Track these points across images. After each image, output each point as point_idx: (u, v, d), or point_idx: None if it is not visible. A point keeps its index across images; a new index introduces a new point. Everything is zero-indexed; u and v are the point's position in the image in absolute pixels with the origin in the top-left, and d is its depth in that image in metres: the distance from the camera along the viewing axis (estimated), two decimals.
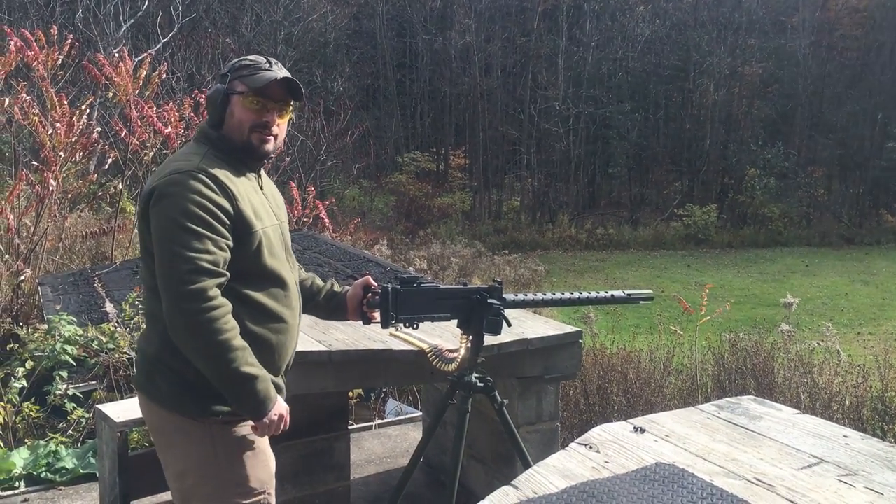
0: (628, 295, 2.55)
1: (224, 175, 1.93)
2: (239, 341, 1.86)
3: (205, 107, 2.05)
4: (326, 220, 9.64)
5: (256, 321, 1.98)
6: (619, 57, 27.03)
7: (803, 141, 26.96)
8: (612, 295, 2.54)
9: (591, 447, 1.92)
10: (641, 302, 2.57)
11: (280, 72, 2.03)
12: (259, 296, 1.99)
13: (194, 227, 1.82)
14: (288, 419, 1.99)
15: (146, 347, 2.00)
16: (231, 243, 1.90)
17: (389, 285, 2.33)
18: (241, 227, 1.92)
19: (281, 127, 2.07)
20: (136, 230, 2.06)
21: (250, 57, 2.07)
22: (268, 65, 2.03)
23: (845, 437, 2.02)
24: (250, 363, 1.87)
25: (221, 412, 1.94)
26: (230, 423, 1.96)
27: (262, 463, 2.01)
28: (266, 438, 2.05)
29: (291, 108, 2.09)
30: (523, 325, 3.12)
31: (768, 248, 21.86)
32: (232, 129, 2.01)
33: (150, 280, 1.92)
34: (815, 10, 27.03)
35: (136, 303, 5.25)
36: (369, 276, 2.38)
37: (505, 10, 26.88)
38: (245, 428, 1.98)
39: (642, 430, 2.03)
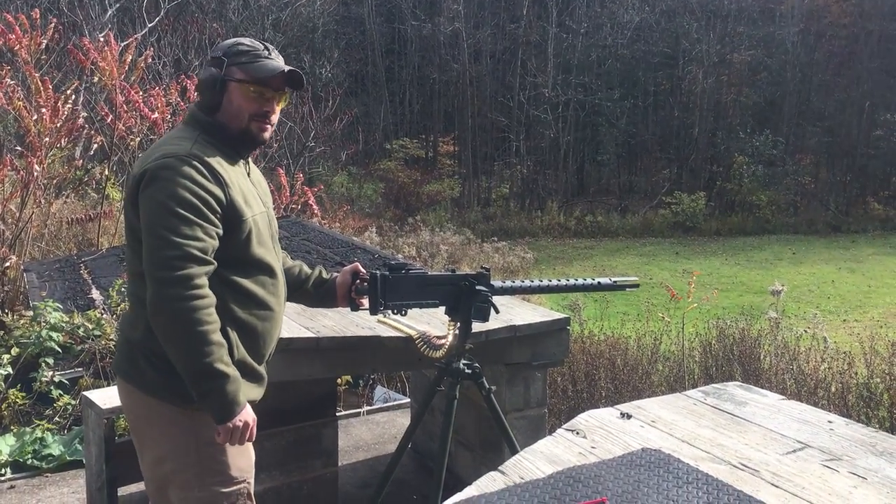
0: (615, 282, 2.57)
1: (216, 161, 1.91)
2: (217, 336, 1.82)
3: (195, 90, 2.01)
4: (315, 207, 9.61)
5: (244, 307, 1.97)
6: (609, 44, 27.00)
7: (791, 129, 27.06)
8: (599, 282, 2.55)
9: (577, 433, 1.93)
10: (628, 289, 2.58)
11: (279, 60, 2.02)
12: (247, 283, 1.98)
13: (184, 212, 1.80)
14: (254, 430, 1.91)
15: (131, 332, 1.97)
16: (220, 231, 1.88)
17: (378, 272, 2.33)
18: (231, 215, 1.91)
19: (277, 114, 2.06)
20: (122, 215, 2.03)
21: (245, 41, 2.02)
22: (266, 52, 2.01)
23: (830, 422, 2.03)
24: (225, 362, 1.83)
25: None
26: None
27: (243, 452, 1.99)
28: None
29: (288, 95, 2.07)
30: (511, 312, 3.12)
31: (756, 236, 21.98)
32: (230, 117, 1.98)
33: (136, 265, 1.90)
34: None
35: (123, 289, 5.22)
36: (358, 263, 2.37)
37: None
38: None
39: (629, 416, 2.04)
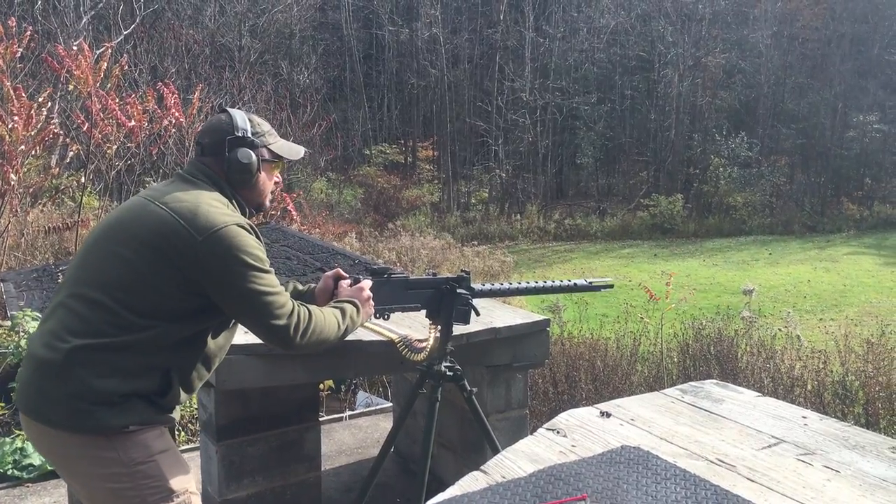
0: (590, 283, 2.62)
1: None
2: (329, 316, 2.08)
3: (228, 168, 2.04)
4: (294, 213, 9.59)
5: (198, 366, 1.99)
6: (585, 48, 27.23)
7: (766, 131, 27.39)
8: (576, 283, 2.60)
9: (558, 432, 1.95)
10: (603, 290, 2.64)
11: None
12: (212, 344, 2.02)
13: (264, 267, 1.94)
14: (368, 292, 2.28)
15: (50, 354, 1.85)
16: None
17: (360, 276, 2.35)
18: None
19: None
20: (97, 226, 1.97)
21: (255, 118, 2.13)
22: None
23: (804, 417, 2.07)
24: (342, 315, 2.12)
25: (125, 424, 1.85)
26: (135, 432, 1.87)
27: (177, 463, 1.95)
28: (171, 440, 1.99)
29: None
30: (492, 315, 3.15)
31: (732, 237, 22.19)
32: (256, 193, 2.11)
33: (103, 294, 1.86)
34: (776, 1, 27.43)
35: None
36: (339, 269, 2.39)
37: (471, 1, 26.93)
38: (151, 433, 1.90)
39: (608, 415, 2.07)
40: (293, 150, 2.19)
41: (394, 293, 2.39)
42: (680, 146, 26.76)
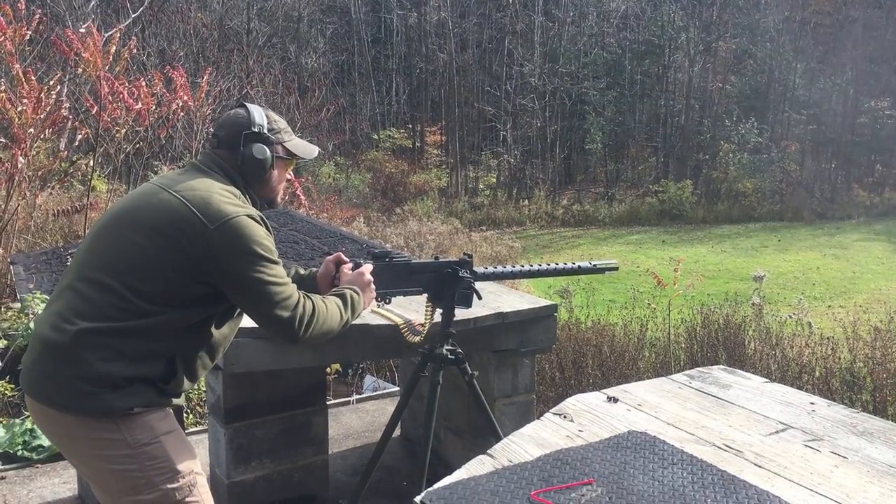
0: (594, 265, 2.61)
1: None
2: (332, 306, 2.07)
3: (241, 163, 2.05)
4: (302, 198, 9.59)
5: (202, 355, 2.01)
6: (595, 33, 27.05)
7: (776, 116, 27.18)
8: (579, 266, 2.59)
9: (565, 417, 1.95)
10: (607, 272, 2.63)
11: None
12: (217, 333, 2.03)
13: (272, 257, 1.96)
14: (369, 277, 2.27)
15: (58, 336, 1.86)
16: None
17: (361, 260, 2.34)
18: None
19: None
20: (110, 212, 1.98)
21: (272, 114, 2.15)
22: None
23: (812, 404, 2.07)
24: (344, 304, 2.11)
25: (129, 406, 1.85)
26: (140, 414, 1.88)
27: (181, 445, 1.96)
28: (175, 422, 1.99)
29: None
30: (499, 299, 3.15)
31: (742, 223, 22.07)
32: (268, 189, 2.14)
33: (112, 278, 1.87)
34: None
35: None
36: (341, 253, 2.38)
37: None
38: (155, 415, 1.91)
39: (615, 400, 2.07)
40: (308, 150, 2.21)
41: (395, 277, 2.39)
42: (689, 132, 26.59)
